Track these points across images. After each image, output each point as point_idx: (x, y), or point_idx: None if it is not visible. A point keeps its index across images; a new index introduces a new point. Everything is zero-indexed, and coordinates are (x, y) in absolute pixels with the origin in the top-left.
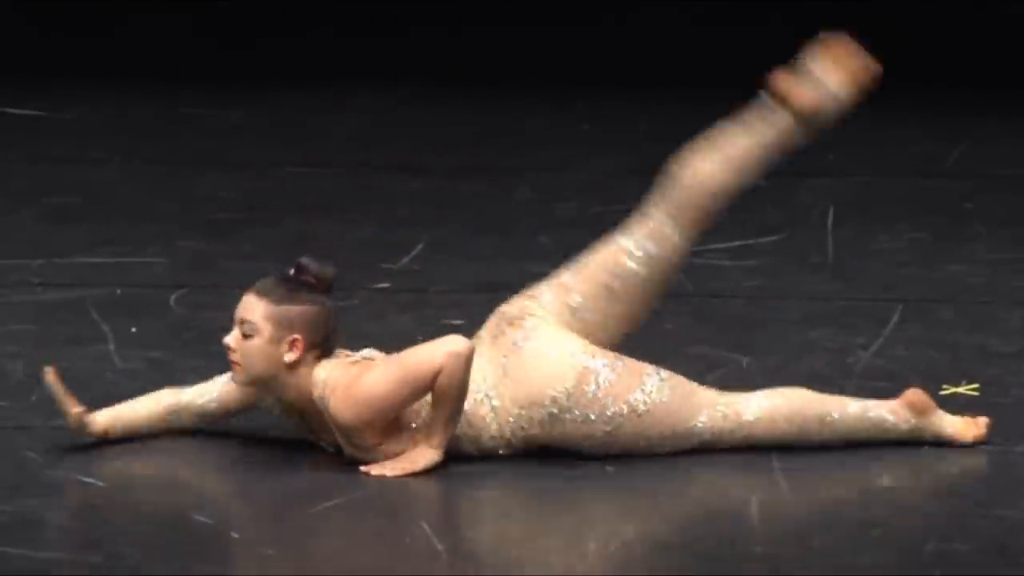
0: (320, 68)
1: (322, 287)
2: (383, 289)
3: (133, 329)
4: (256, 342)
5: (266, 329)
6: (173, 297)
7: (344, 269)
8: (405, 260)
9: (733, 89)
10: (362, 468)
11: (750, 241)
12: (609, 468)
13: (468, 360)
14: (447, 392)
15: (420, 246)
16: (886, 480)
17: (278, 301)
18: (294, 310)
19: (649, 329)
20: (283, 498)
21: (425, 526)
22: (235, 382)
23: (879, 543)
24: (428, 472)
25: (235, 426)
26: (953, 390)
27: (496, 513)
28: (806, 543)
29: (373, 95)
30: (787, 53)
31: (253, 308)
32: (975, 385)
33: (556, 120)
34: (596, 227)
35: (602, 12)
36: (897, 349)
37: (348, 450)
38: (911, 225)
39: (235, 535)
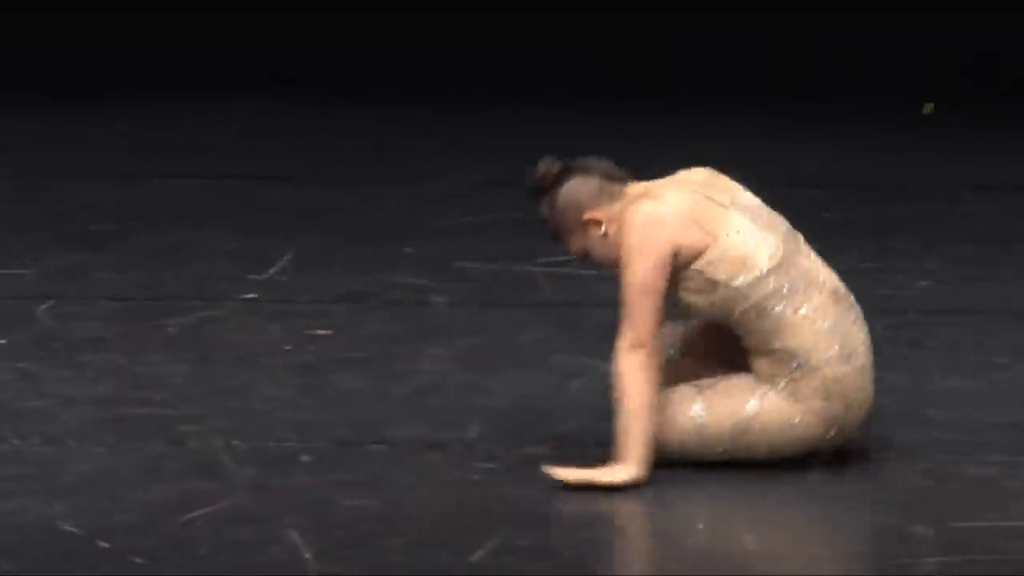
0: (189, 79)
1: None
2: (251, 299)
3: (2, 341)
4: (583, 244)
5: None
6: (41, 308)
7: (212, 280)
8: (272, 271)
9: (592, 102)
10: (546, 469)
11: None
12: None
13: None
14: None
15: (287, 257)
16: None
17: (552, 205)
18: (570, 198)
19: (512, 339)
20: (152, 508)
21: (294, 534)
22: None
23: None
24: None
25: (103, 437)
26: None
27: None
28: None
29: (241, 106)
30: (639, 63)
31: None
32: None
33: (420, 132)
34: (460, 237)
35: (466, 25)
36: None
37: None
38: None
39: (104, 545)
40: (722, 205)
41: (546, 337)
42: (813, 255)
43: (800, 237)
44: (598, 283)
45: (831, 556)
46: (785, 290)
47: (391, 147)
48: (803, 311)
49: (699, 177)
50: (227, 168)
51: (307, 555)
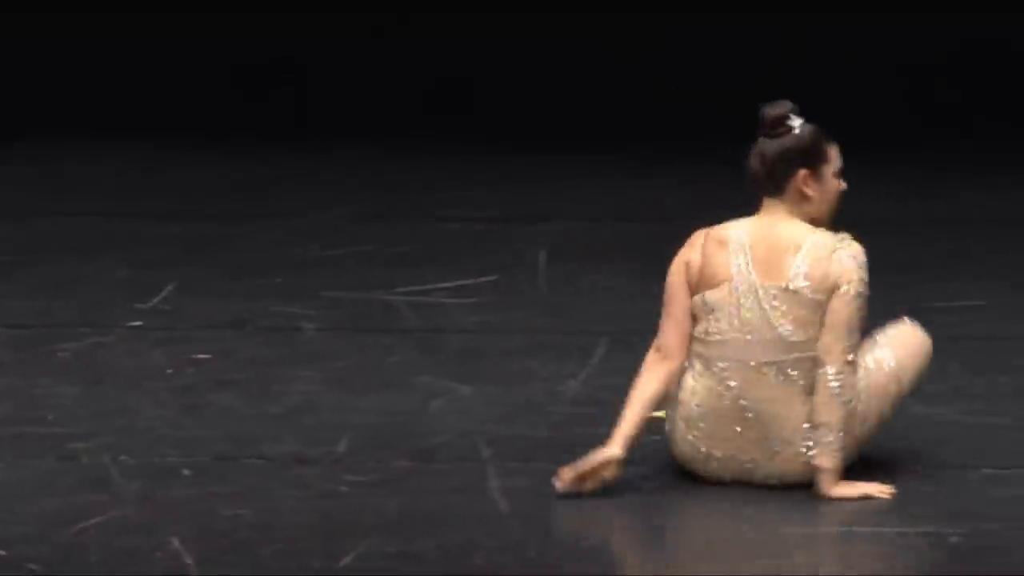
0: (76, 119)
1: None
2: (136, 327)
3: None
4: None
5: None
6: None
7: (101, 309)
8: (156, 300)
9: (449, 142)
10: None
11: (469, 281)
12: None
13: None
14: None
15: (170, 287)
16: None
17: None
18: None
19: (378, 362)
20: (47, 519)
21: (177, 542)
22: None
23: None
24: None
25: (0, 454)
26: (657, 414)
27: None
28: None
29: (124, 146)
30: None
31: None
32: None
33: (290, 172)
34: (328, 268)
35: (331, 67)
36: (603, 378)
37: None
38: (614, 265)
39: (2, 552)
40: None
41: (409, 360)
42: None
43: None
44: (458, 310)
45: None
46: None
47: (263, 186)
48: None
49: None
50: (114, 205)
51: (189, 561)
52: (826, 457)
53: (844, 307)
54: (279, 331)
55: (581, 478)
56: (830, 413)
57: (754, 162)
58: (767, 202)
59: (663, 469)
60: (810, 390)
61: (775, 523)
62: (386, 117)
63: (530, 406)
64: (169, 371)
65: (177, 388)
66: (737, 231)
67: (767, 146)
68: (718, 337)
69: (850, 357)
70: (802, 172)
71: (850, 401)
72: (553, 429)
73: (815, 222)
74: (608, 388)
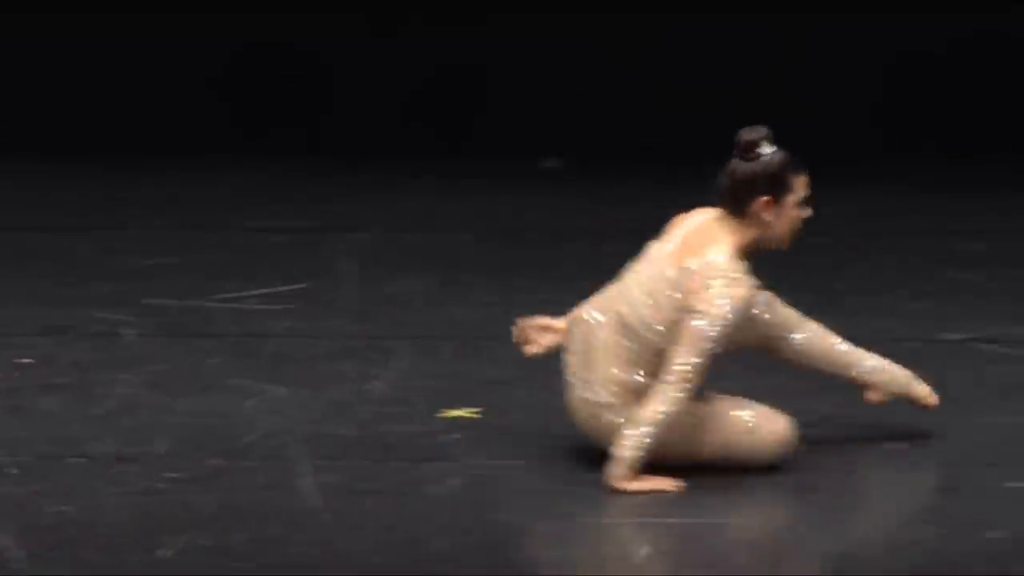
0: None
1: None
2: None
3: None
4: None
5: None
6: None
7: None
8: None
9: (257, 155)
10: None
11: (281, 288)
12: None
13: None
14: None
15: None
16: None
17: None
18: None
19: (195, 366)
20: None
21: (4, 537)
22: None
23: None
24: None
25: None
26: (454, 413)
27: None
28: None
29: None
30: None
31: None
32: (475, 409)
33: (115, 183)
34: (147, 277)
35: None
36: (407, 380)
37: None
38: (419, 273)
39: None
40: None
41: (225, 364)
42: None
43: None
44: (271, 317)
45: None
46: None
47: (85, 198)
48: None
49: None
50: None
51: (15, 555)
52: (624, 448)
53: (696, 334)
54: (100, 337)
55: (524, 334)
56: (645, 411)
57: (722, 180)
58: (724, 219)
59: (471, 465)
60: (631, 364)
61: (570, 514)
62: (197, 132)
63: (338, 406)
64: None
65: (2, 391)
66: (696, 214)
67: (737, 167)
68: (615, 281)
69: (689, 383)
70: (763, 199)
71: (666, 414)
72: (360, 428)
73: (770, 244)
74: (411, 389)
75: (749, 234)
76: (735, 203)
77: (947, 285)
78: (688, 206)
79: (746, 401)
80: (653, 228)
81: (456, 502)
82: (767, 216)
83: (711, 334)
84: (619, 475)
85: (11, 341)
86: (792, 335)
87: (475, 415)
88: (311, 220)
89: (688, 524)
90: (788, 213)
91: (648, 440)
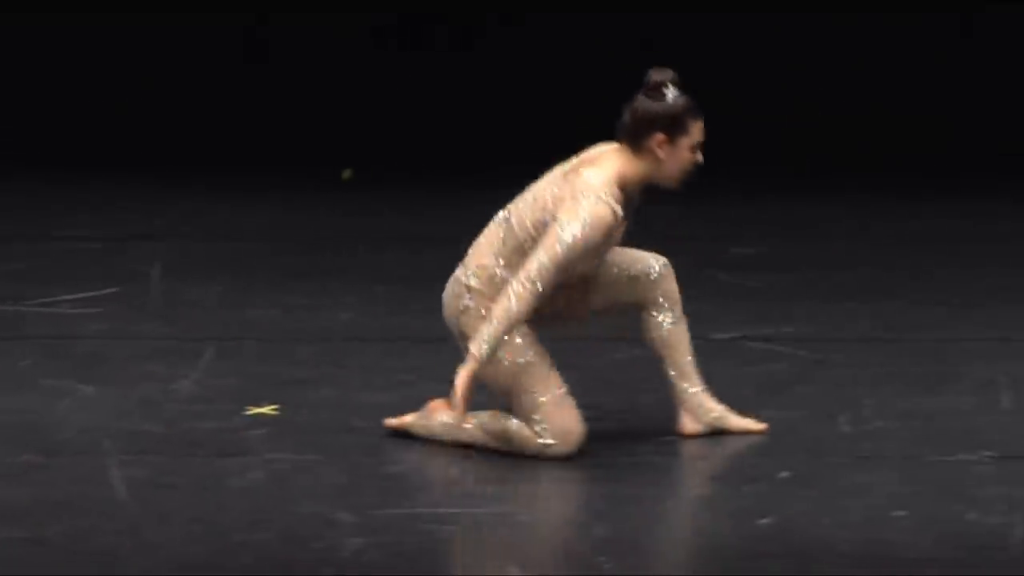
0: None
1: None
2: None
3: None
4: None
5: None
6: None
7: None
8: None
9: (64, 167)
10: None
11: (93, 293)
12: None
13: None
14: None
15: None
16: None
17: None
18: None
19: (7, 366)
20: None
21: None
22: None
23: None
24: None
25: None
26: (257, 410)
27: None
28: None
29: None
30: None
31: None
32: (276, 406)
33: None
34: None
35: None
36: (211, 379)
37: None
38: (221, 278)
39: None
40: None
41: (37, 365)
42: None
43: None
44: (82, 320)
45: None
46: None
47: None
48: None
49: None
50: None
51: None
52: (475, 343)
53: (552, 239)
54: None
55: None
56: (496, 308)
57: (626, 114)
58: (621, 147)
59: (272, 459)
60: (499, 255)
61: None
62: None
63: (147, 405)
64: None
65: None
66: (601, 145)
67: (639, 104)
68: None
69: (537, 280)
70: (660, 136)
71: (513, 311)
72: (167, 425)
73: (660, 181)
74: (215, 388)
75: (641, 168)
76: (633, 137)
77: (717, 287)
78: (473, 216)
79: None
80: (438, 236)
81: (258, 494)
82: (660, 154)
83: (566, 240)
84: (464, 369)
85: None
86: (663, 317)
87: (275, 412)
88: (119, 228)
89: (481, 514)
90: (681, 154)
91: (497, 334)
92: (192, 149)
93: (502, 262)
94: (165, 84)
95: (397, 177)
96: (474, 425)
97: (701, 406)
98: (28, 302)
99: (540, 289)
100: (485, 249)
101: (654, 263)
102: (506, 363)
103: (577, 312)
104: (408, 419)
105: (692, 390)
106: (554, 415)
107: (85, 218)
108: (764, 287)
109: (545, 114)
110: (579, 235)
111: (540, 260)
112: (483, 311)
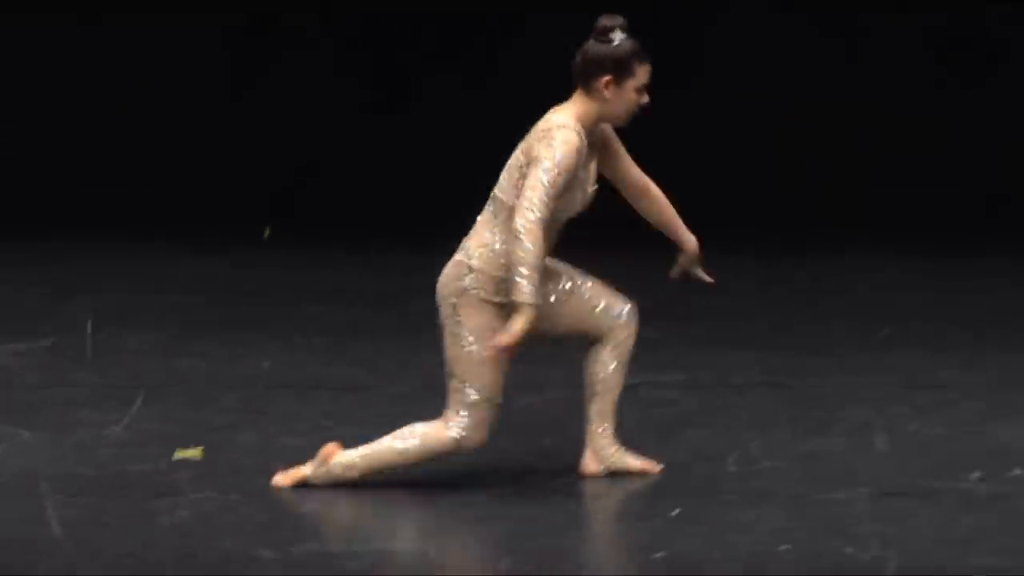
0: None
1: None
2: None
3: None
4: None
5: None
6: None
7: None
8: None
9: None
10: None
11: (30, 344)
12: None
13: None
14: None
15: None
16: None
17: None
18: None
19: None
20: None
21: None
22: None
23: None
24: None
25: None
26: (184, 454)
27: None
28: None
29: None
30: None
31: None
32: (200, 449)
33: None
34: None
35: None
36: (142, 423)
37: None
38: (153, 329)
39: None
40: None
41: None
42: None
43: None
44: (20, 369)
45: None
46: None
47: None
48: None
49: None
50: None
51: None
52: (518, 296)
53: (534, 174)
54: None
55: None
56: (513, 256)
57: (577, 57)
58: (576, 92)
59: (198, 499)
60: (495, 228)
61: None
62: None
63: (81, 448)
64: None
65: None
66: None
67: (589, 47)
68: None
69: (533, 210)
70: (606, 78)
71: (530, 246)
72: (100, 468)
73: (609, 119)
74: (145, 432)
75: (592, 107)
76: (583, 79)
77: None
78: (383, 273)
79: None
80: (352, 290)
81: (185, 532)
82: (607, 94)
83: (546, 166)
84: (523, 317)
85: None
86: (610, 359)
87: (201, 455)
88: (54, 282)
89: (392, 551)
90: (627, 95)
91: (529, 276)
92: (118, 205)
93: (498, 234)
94: (83, 143)
95: (315, 235)
96: (363, 457)
97: (605, 449)
98: None
99: (540, 216)
100: (481, 229)
101: (623, 307)
102: (469, 349)
103: (544, 327)
104: (305, 470)
105: (601, 431)
106: (476, 417)
107: (20, 272)
108: (661, 336)
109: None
110: (555, 160)
111: (528, 195)
112: (483, 293)
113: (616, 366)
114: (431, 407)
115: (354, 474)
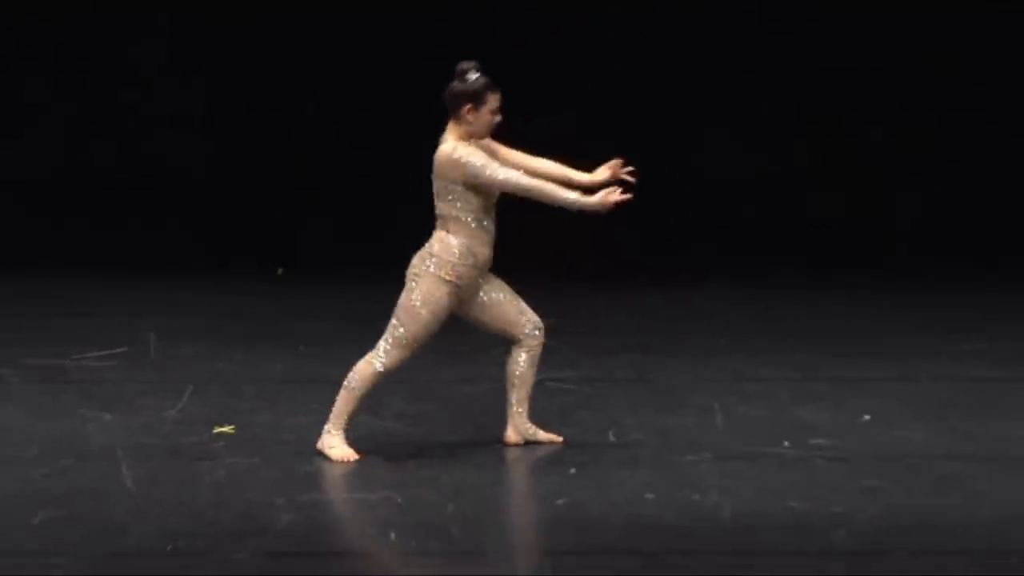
0: None
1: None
2: None
3: None
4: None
5: None
6: None
7: None
8: None
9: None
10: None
11: (109, 351)
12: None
13: None
14: None
15: None
16: None
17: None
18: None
19: (53, 401)
20: None
21: None
22: None
23: None
24: None
25: None
26: (220, 430)
27: None
28: None
29: None
30: None
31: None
32: (232, 427)
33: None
34: (23, 344)
35: None
36: (191, 409)
37: None
38: (195, 341)
39: None
40: None
41: (72, 399)
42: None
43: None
44: (104, 370)
45: None
46: None
47: None
48: None
49: None
50: None
51: None
52: (565, 200)
53: (481, 180)
54: None
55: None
56: (538, 192)
57: (445, 94)
58: (449, 121)
59: (230, 462)
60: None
61: None
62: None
63: (146, 426)
64: None
65: None
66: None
67: (453, 86)
68: None
69: (496, 175)
70: (467, 106)
71: (515, 179)
72: (159, 440)
73: (475, 136)
74: (192, 414)
75: (462, 129)
76: (452, 109)
77: None
78: (367, 299)
79: None
80: (339, 312)
81: (221, 485)
82: (470, 118)
83: (483, 164)
84: (581, 204)
85: None
86: (523, 360)
87: (233, 431)
88: (126, 307)
89: (371, 498)
90: (484, 118)
91: (544, 188)
92: (169, 249)
93: (449, 233)
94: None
95: (318, 274)
96: (336, 413)
97: (522, 425)
98: (66, 358)
99: (503, 175)
100: (436, 232)
101: (533, 325)
102: (415, 304)
103: (472, 310)
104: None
105: (520, 411)
106: (396, 351)
107: (102, 297)
108: (561, 345)
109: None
110: (478, 161)
111: (494, 178)
112: (440, 272)
113: (529, 365)
114: (393, 395)
115: (342, 421)
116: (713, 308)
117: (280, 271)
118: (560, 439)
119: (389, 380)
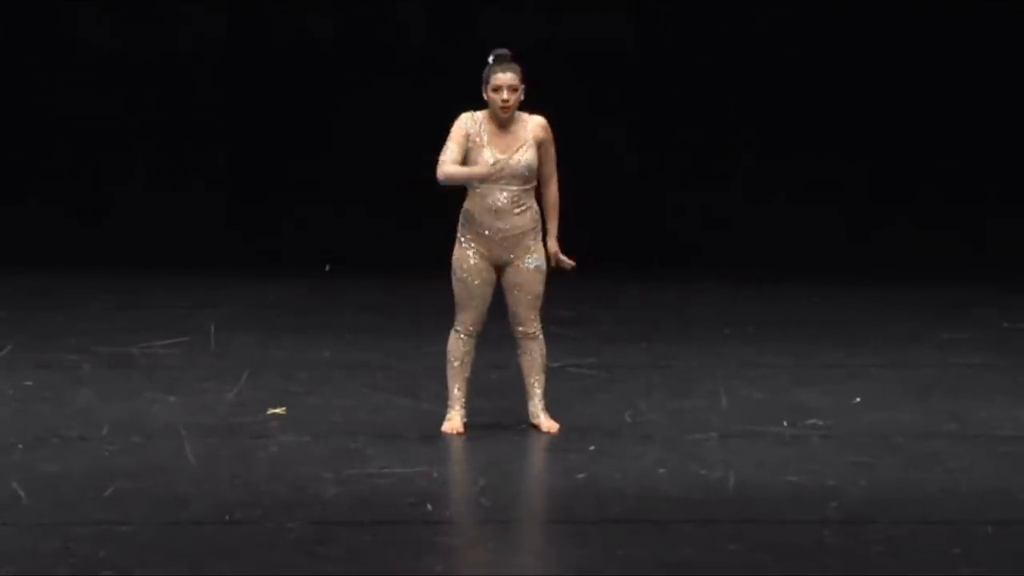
0: None
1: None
2: None
3: None
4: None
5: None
6: None
7: None
8: None
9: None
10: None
11: (173, 340)
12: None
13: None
14: None
15: None
16: None
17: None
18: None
19: (124, 384)
20: None
21: None
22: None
23: None
24: None
25: None
26: (273, 411)
27: None
28: None
29: None
30: None
31: (515, 76)
32: (284, 408)
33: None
34: (98, 334)
35: None
36: (247, 393)
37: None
38: (248, 332)
39: None
40: None
41: (139, 383)
42: None
43: None
44: (167, 355)
45: None
46: None
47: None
48: None
49: None
50: None
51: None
52: (471, 171)
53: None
54: (69, 369)
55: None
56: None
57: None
58: None
59: (282, 440)
60: None
61: None
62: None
63: (207, 407)
64: None
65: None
66: None
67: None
68: None
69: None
70: (485, 86)
71: (442, 171)
72: (219, 420)
73: (493, 111)
74: (248, 396)
75: (488, 105)
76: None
77: (550, 337)
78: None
79: None
80: (382, 306)
81: (274, 461)
82: (485, 96)
83: (450, 136)
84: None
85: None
86: (521, 352)
87: (285, 412)
88: (188, 301)
89: (410, 472)
90: (490, 96)
91: (460, 171)
92: (224, 250)
93: (466, 196)
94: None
95: (361, 270)
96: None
97: (531, 408)
98: (134, 346)
99: (441, 159)
100: None
101: (526, 328)
102: (453, 264)
103: (504, 282)
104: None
105: (539, 396)
106: (458, 315)
107: (169, 293)
108: (581, 335)
109: None
110: (449, 136)
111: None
112: (458, 235)
113: (541, 358)
114: (431, 379)
115: (450, 395)
116: (719, 301)
117: (327, 267)
118: (556, 427)
119: (473, 357)
